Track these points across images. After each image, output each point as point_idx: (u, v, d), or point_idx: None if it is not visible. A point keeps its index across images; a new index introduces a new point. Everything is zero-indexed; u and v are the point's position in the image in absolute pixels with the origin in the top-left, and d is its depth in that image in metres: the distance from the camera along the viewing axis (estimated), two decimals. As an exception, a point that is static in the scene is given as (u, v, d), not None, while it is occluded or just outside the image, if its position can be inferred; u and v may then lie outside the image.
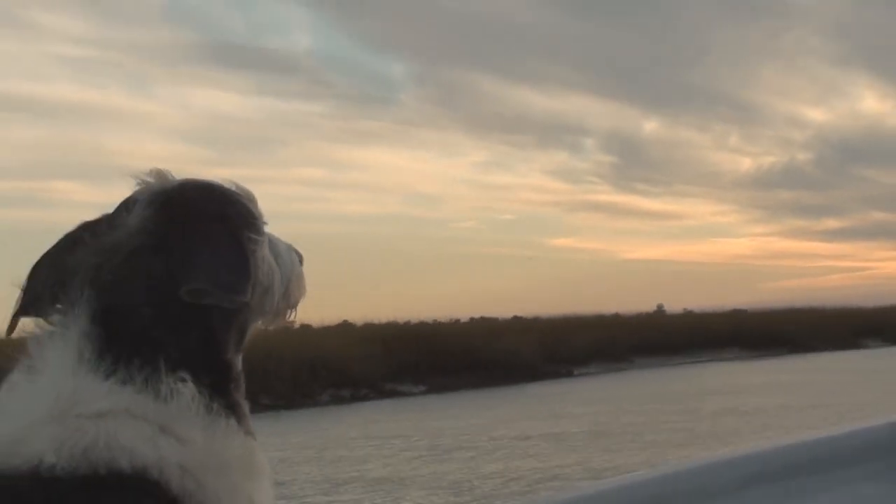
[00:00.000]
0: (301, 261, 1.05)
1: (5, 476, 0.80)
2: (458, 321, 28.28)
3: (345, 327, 25.07)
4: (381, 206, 52.33)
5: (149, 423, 0.83)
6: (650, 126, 57.08)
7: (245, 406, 0.93)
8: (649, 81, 56.35)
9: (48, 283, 0.91)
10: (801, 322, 32.76)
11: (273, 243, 1.01)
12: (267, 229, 1.01)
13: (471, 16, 50.13)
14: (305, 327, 19.72)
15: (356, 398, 19.94)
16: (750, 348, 29.50)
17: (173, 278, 0.87)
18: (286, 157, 47.21)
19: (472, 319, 28.91)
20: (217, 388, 0.89)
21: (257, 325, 1.00)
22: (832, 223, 69.59)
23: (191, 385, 0.86)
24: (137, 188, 0.96)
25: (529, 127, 55.25)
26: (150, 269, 0.87)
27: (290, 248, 1.05)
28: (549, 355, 24.17)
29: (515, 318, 29.68)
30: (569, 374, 24.13)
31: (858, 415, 10.50)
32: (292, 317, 1.06)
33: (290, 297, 1.02)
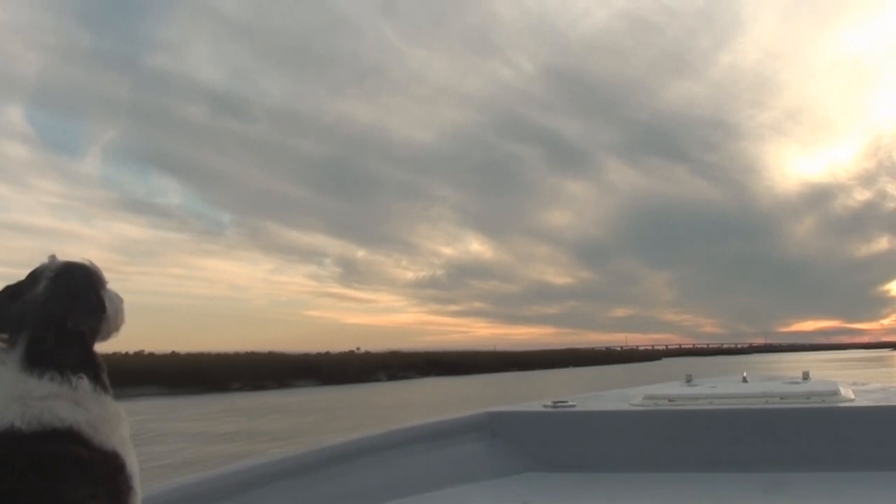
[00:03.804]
0: (121, 301, 1.56)
1: None
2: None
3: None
4: (215, 290, 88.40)
5: (69, 401, 1.32)
6: (360, 253, 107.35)
7: (108, 384, 1.41)
8: (361, 230, 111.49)
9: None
10: (255, 362, 35.66)
11: (108, 291, 1.53)
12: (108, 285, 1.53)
13: (265, 190, 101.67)
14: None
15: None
16: (173, 386, 28.54)
17: (63, 318, 1.37)
18: (165, 262, 75.64)
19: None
20: (96, 377, 1.39)
21: (101, 340, 1.50)
22: (454, 307, 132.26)
23: (85, 378, 1.36)
24: (40, 265, 1.46)
25: (296, 251, 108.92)
26: (52, 314, 1.37)
27: (117, 294, 1.56)
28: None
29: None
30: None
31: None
32: (116, 335, 1.55)
33: (117, 322, 1.54)
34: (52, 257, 1.49)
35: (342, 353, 51.07)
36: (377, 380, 40.55)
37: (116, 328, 1.54)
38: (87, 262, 1.52)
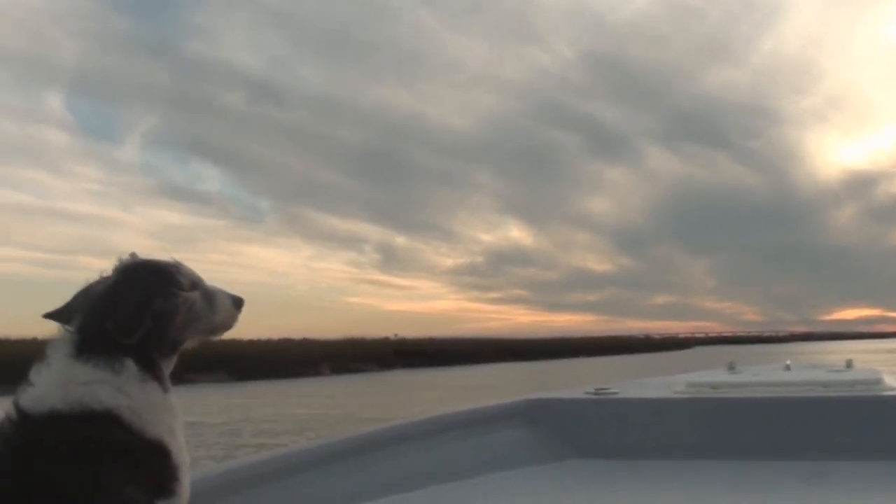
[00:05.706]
0: (238, 302, 1.60)
1: (36, 415, 1.33)
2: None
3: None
4: (254, 276, 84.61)
5: (111, 386, 1.37)
6: (400, 240, 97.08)
7: (165, 376, 1.47)
8: (399, 216, 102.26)
9: (70, 309, 1.47)
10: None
11: (208, 291, 1.55)
12: (209, 282, 1.56)
13: (304, 176, 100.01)
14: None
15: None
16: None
17: (107, 315, 1.40)
18: (204, 248, 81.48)
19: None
20: (147, 367, 1.43)
21: (196, 338, 1.54)
22: (493, 294, 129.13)
23: (133, 366, 1.40)
24: (118, 262, 1.51)
25: (335, 238, 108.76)
26: (100, 309, 1.42)
27: (226, 294, 1.58)
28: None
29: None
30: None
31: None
32: (222, 334, 1.59)
33: (218, 322, 1.56)
34: (131, 254, 1.54)
35: (278, 339, 44.22)
36: (318, 374, 34.97)
37: (216, 327, 1.56)
38: (160, 262, 1.53)
